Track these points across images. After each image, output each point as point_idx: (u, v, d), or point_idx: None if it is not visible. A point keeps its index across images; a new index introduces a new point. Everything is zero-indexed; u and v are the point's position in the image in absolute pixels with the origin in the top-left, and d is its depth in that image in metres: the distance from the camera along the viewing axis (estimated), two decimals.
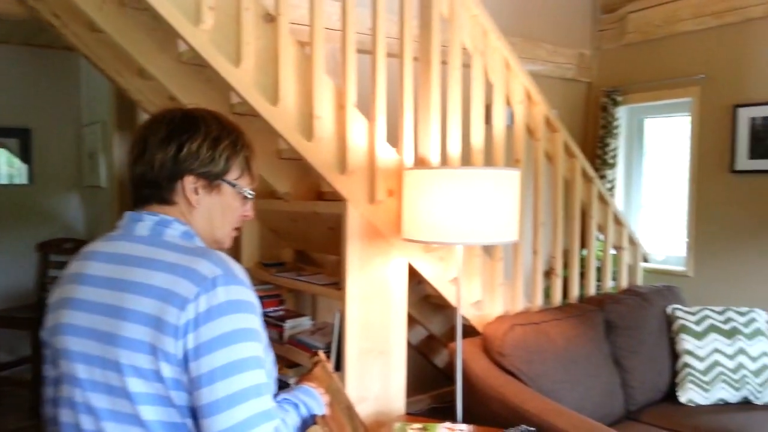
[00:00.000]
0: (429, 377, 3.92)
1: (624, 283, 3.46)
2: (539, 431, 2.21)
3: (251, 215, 1.37)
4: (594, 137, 4.83)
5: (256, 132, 2.84)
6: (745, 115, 4.08)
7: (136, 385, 1.10)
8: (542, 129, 2.97)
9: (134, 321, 1.10)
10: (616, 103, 4.63)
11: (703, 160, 4.32)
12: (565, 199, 3.15)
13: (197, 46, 2.01)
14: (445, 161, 2.64)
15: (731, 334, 2.94)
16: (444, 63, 2.59)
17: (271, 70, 2.17)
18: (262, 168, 2.90)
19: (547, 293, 3.21)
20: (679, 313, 3.06)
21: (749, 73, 4.07)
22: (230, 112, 2.81)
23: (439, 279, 2.64)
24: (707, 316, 3.02)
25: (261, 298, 3.05)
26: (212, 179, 1.24)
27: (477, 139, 2.68)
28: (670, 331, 3.06)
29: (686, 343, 2.96)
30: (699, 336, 2.96)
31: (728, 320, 2.99)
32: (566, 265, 3.27)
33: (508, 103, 2.87)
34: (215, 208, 1.26)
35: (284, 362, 2.89)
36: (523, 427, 2.18)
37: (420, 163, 2.55)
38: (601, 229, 3.36)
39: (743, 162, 4.10)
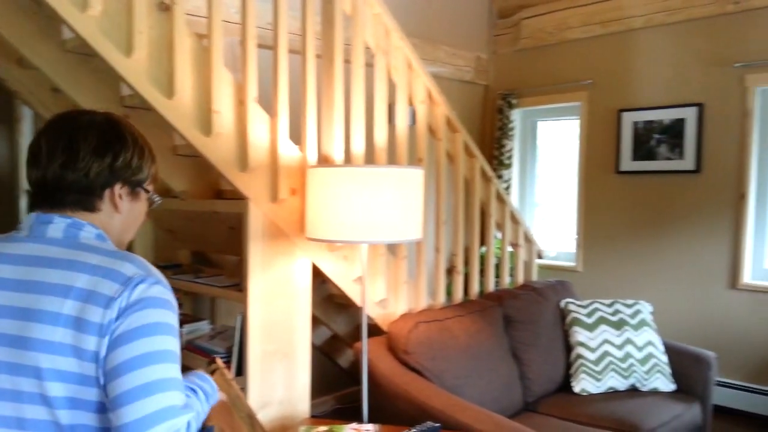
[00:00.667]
0: (333, 378, 3.89)
1: (521, 279, 3.58)
2: (444, 427, 2.24)
3: (146, 218, 1.41)
4: (491, 138, 4.99)
5: (149, 127, 2.71)
6: (628, 119, 4.34)
7: (56, 389, 1.08)
8: (443, 129, 3.01)
9: (51, 323, 1.08)
10: (511, 106, 4.80)
11: (591, 161, 4.56)
12: (465, 198, 3.22)
13: (84, 34, 1.87)
14: (349, 159, 2.62)
15: (619, 325, 3.12)
16: (347, 62, 2.57)
17: (166, 62, 2.06)
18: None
19: (449, 290, 3.27)
20: (571, 307, 3.20)
21: (632, 79, 4.34)
22: (120, 105, 2.65)
23: (344, 278, 2.61)
24: (597, 309, 3.18)
25: None
26: (135, 186, 1.28)
27: (380, 138, 2.68)
28: (563, 324, 3.20)
29: (578, 335, 3.10)
30: (590, 328, 3.11)
31: (616, 312, 3.16)
32: (467, 263, 3.34)
33: (411, 102, 2.89)
34: (132, 214, 1.31)
35: (181, 369, 2.74)
36: (428, 423, 2.19)
37: (324, 161, 2.51)
38: (499, 227, 3.46)
39: (627, 163, 4.37)
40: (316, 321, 3.34)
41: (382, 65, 2.68)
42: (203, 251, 3.20)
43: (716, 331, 4.03)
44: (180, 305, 2.98)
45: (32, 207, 1.24)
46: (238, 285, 2.52)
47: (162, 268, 2.95)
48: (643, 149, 4.28)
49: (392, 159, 2.80)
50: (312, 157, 2.44)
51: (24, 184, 3.15)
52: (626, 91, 4.37)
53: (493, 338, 2.85)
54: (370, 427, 2.20)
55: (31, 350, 1.08)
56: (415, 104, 2.90)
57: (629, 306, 3.20)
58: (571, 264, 4.71)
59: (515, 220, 3.53)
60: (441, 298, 3.05)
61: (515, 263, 3.57)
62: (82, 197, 1.22)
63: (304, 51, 2.39)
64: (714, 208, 4.02)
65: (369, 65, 2.67)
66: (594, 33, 4.46)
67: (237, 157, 2.25)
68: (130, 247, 3.02)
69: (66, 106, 2.64)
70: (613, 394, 2.98)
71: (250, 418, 1.59)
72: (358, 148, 2.58)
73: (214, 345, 2.70)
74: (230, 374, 1.65)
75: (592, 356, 3.04)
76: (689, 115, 4.07)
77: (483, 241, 3.58)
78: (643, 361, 3.03)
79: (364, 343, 2.39)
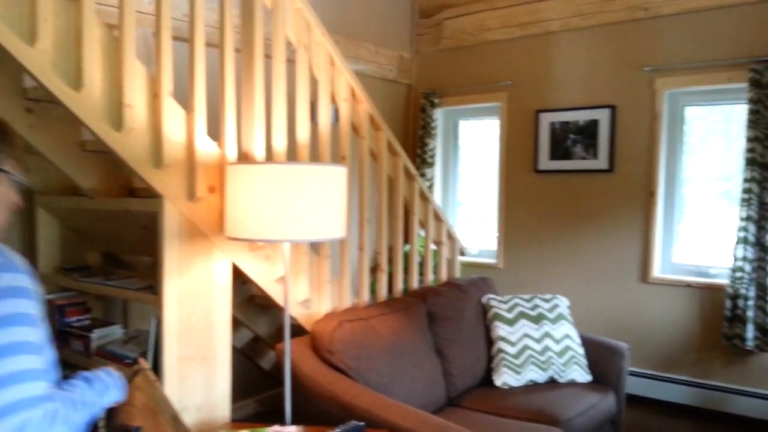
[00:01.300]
0: (255, 381, 3.80)
1: (444, 276, 3.61)
2: (369, 425, 2.22)
3: (20, 203, 1.36)
4: (414, 137, 5.02)
5: (55, 121, 2.56)
6: (546, 120, 4.47)
7: None
8: (367, 127, 3.00)
9: None
10: (433, 105, 4.85)
11: (511, 160, 4.67)
12: (389, 197, 3.22)
13: None
14: (270, 157, 2.56)
15: (538, 319, 3.20)
16: (268, 56, 2.51)
17: (74, 52, 1.94)
18: (62, 161, 2.61)
19: (373, 289, 3.25)
20: (492, 303, 3.26)
21: (549, 81, 4.47)
22: (23, 97, 2.49)
23: (266, 278, 2.55)
24: (517, 304, 3.25)
25: (63, 306, 2.76)
26: None
27: (303, 135, 2.63)
28: (485, 319, 3.26)
29: (499, 329, 3.16)
30: (510, 323, 3.17)
31: (535, 307, 3.25)
32: (391, 261, 3.34)
33: (334, 100, 2.86)
34: None
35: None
36: (353, 423, 2.17)
37: (244, 158, 2.44)
38: (423, 225, 3.48)
39: (545, 162, 4.50)
40: (236, 323, 3.25)
41: (303, 61, 2.63)
42: (115, 252, 3.05)
43: (629, 324, 4.21)
44: (88, 309, 2.84)
45: None
46: (153, 287, 2.42)
47: (68, 270, 2.80)
48: (559, 149, 4.42)
49: (315, 157, 2.76)
50: (231, 154, 2.36)
51: None
52: (544, 92, 4.50)
53: (416, 335, 2.86)
54: (293, 428, 2.16)
55: None
56: (338, 101, 2.87)
57: (547, 300, 3.29)
58: (493, 261, 4.81)
59: (438, 219, 3.56)
60: (365, 297, 3.04)
61: (439, 261, 3.60)
62: None
63: (222, 44, 2.32)
64: (626, 205, 4.20)
65: (291, 61, 2.62)
66: (513, 35, 4.57)
67: (151, 154, 2.15)
68: (32, 249, 2.85)
69: None
70: (533, 387, 3.05)
71: (174, 420, 1.54)
72: (280, 145, 2.53)
73: (128, 350, 2.57)
74: (154, 376, 1.60)
75: (512, 350, 3.10)
76: (602, 116, 4.23)
77: (407, 239, 3.59)
78: (560, 353, 3.12)
79: (287, 344, 2.34)
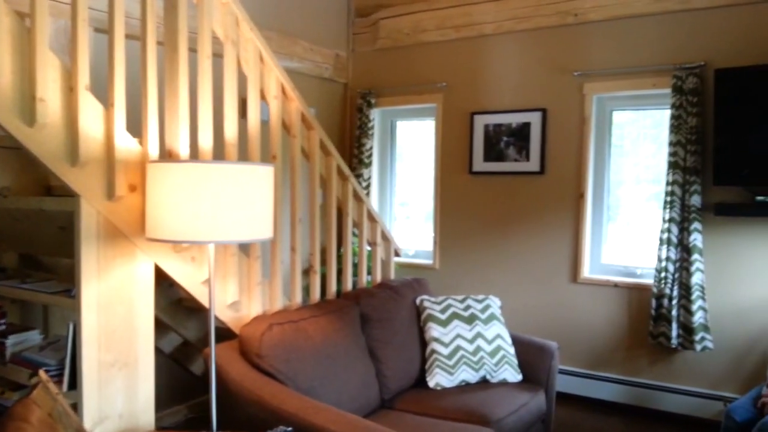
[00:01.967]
0: (186, 386, 3.69)
1: (379, 277, 3.59)
2: (297, 430, 2.17)
3: None
4: (351, 137, 4.99)
5: None
6: (480, 122, 4.52)
7: None
8: (298, 126, 2.94)
9: None
10: (370, 105, 4.83)
11: (446, 161, 4.70)
12: (323, 197, 3.18)
13: None
14: (196, 155, 2.47)
15: (471, 320, 3.22)
16: (193, 50, 2.43)
17: None
18: None
19: (307, 291, 3.20)
20: (426, 304, 3.26)
21: (483, 83, 4.52)
22: None
23: (191, 281, 2.46)
24: (450, 305, 3.26)
25: None
26: None
27: (231, 133, 2.56)
28: (419, 320, 3.25)
29: (433, 330, 3.16)
30: (443, 323, 3.18)
31: (468, 307, 3.26)
32: (324, 262, 3.30)
33: (264, 97, 2.80)
34: None
35: (7, 384, 2.48)
36: (281, 428, 2.12)
37: (167, 155, 2.35)
38: (357, 226, 3.45)
39: (479, 164, 4.54)
40: (164, 327, 3.15)
41: (231, 56, 2.56)
42: (32, 254, 2.90)
43: (560, 323, 4.29)
44: (4, 314, 2.68)
45: None
46: (71, 290, 2.30)
47: None
48: (493, 151, 4.48)
49: (244, 155, 2.69)
50: (154, 152, 2.27)
51: None
52: (478, 94, 4.55)
53: (349, 337, 2.82)
54: None
55: None
56: (268, 99, 2.81)
57: (480, 301, 3.32)
58: (429, 262, 4.83)
59: (373, 219, 3.53)
60: (298, 299, 2.98)
61: (373, 262, 3.58)
62: None
63: (144, 37, 2.23)
64: (557, 207, 4.28)
65: (219, 56, 2.54)
66: (448, 37, 4.60)
67: (66, 151, 2.04)
68: None
69: None
70: (465, 387, 3.06)
71: None
72: (206, 142, 2.45)
73: (45, 357, 2.45)
74: (57, 388, 1.50)
75: (445, 351, 3.11)
76: (534, 119, 4.31)
77: (341, 241, 3.55)
78: (492, 353, 3.15)
79: (212, 348, 2.27)
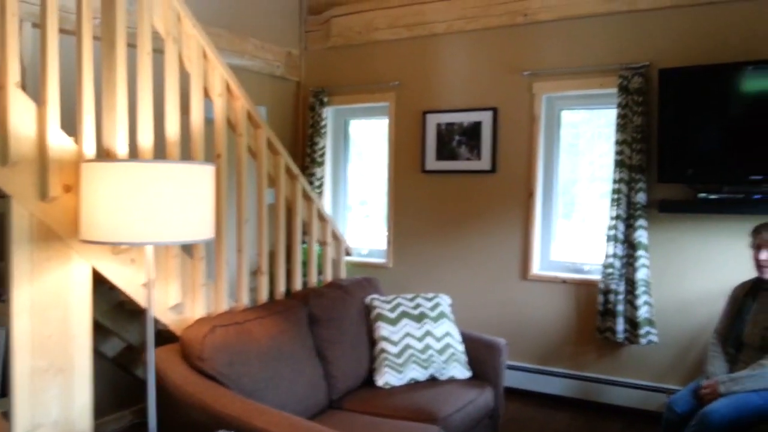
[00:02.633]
0: (130, 391, 3.61)
1: (329, 277, 3.57)
2: None
3: None
4: (304, 135, 4.95)
5: None
6: (432, 121, 4.53)
7: None
8: (245, 124, 2.90)
9: None
10: (323, 104, 4.80)
11: (399, 160, 4.70)
12: (272, 197, 3.14)
13: None
14: (136, 153, 2.41)
15: (420, 318, 3.22)
16: (132, 46, 2.37)
17: None
18: None
19: (256, 292, 3.16)
20: (376, 303, 3.26)
21: (435, 82, 4.54)
22: None
23: (131, 283, 2.40)
24: (400, 304, 3.26)
25: None
26: None
27: (172, 131, 2.50)
28: (368, 319, 3.24)
29: (382, 329, 3.16)
30: (393, 322, 3.18)
31: (417, 306, 3.27)
32: (272, 262, 3.26)
33: (208, 95, 2.75)
34: None
35: None
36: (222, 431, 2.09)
37: (105, 155, 2.29)
38: (306, 225, 3.42)
39: (432, 163, 4.56)
40: (106, 331, 3.07)
41: (173, 53, 2.51)
42: None
43: (510, 320, 4.34)
44: None
45: None
46: (1, 295, 2.22)
47: None
48: (445, 149, 4.50)
49: (188, 154, 2.63)
50: (90, 151, 2.21)
51: None
52: (430, 93, 4.56)
53: (296, 338, 2.80)
54: None
55: None
56: (213, 97, 2.76)
57: (430, 299, 3.33)
58: (382, 261, 4.83)
59: (323, 218, 3.51)
60: (244, 300, 2.94)
61: (323, 261, 3.56)
62: None
63: (80, 31, 2.16)
64: (508, 205, 4.33)
65: (161, 51, 2.48)
66: (400, 35, 4.60)
67: None
68: None
69: None
70: (414, 385, 3.07)
71: None
72: (146, 141, 2.39)
73: None
74: None
75: (394, 350, 3.11)
76: (485, 118, 4.34)
77: (290, 240, 3.51)
78: (441, 351, 3.16)
79: (151, 352, 2.22)
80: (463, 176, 4.46)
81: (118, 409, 3.60)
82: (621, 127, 3.84)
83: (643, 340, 3.80)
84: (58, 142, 2.12)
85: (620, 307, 3.85)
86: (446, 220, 4.55)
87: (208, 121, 2.77)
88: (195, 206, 2.10)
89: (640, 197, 3.79)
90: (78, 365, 2.28)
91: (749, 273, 2.97)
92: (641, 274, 3.79)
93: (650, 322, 3.81)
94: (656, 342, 3.82)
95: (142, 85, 2.38)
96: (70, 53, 2.24)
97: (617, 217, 3.84)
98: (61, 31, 2.14)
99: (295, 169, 3.25)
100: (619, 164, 3.84)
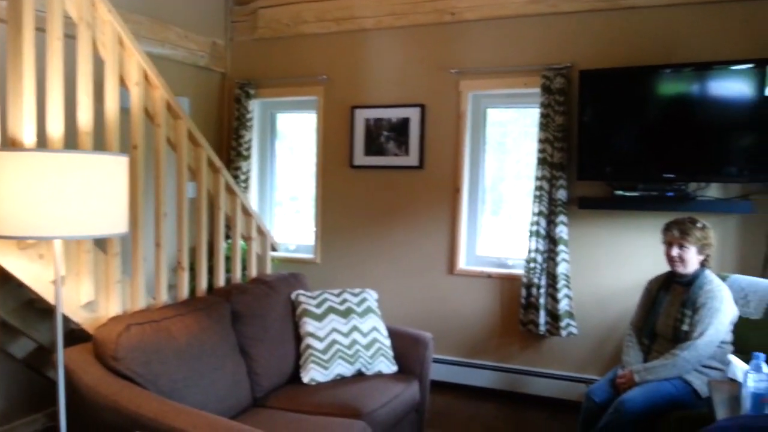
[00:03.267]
0: (43, 393, 3.42)
1: (254, 273, 3.50)
2: None
3: None
4: (230, 128, 4.84)
5: None
6: (361, 116, 4.52)
7: None
8: (164, 114, 2.80)
9: None
10: (249, 96, 4.70)
11: (328, 155, 4.66)
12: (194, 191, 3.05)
13: None
14: (44, 143, 2.28)
15: (346, 313, 3.21)
16: (42, 30, 2.24)
17: None
18: None
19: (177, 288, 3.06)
20: (302, 298, 3.22)
21: (364, 77, 4.52)
22: None
23: (39, 280, 2.28)
24: (326, 299, 3.23)
25: None
26: None
27: (85, 120, 2.38)
28: (294, 315, 3.20)
29: (308, 325, 3.12)
30: (319, 318, 3.15)
31: (344, 301, 3.25)
32: (194, 258, 3.16)
33: (124, 83, 2.63)
34: None
35: None
36: None
37: (10, 144, 2.15)
38: (230, 220, 3.34)
39: (360, 158, 4.54)
40: (15, 331, 2.90)
41: (86, 39, 2.39)
42: None
43: (437, 314, 4.39)
44: None
45: None
46: None
47: None
48: (374, 145, 4.49)
49: (101, 145, 2.51)
50: None
51: None
52: (359, 88, 4.54)
53: (218, 336, 2.72)
54: None
55: None
56: (129, 86, 2.64)
57: (356, 295, 3.32)
58: (310, 256, 4.78)
59: (247, 213, 3.44)
60: (163, 297, 2.84)
61: (248, 257, 3.48)
62: None
63: None
64: (435, 201, 4.37)
65: (74, 37, 2.36)
66: (328, 29, 4.56)
67: None
68: None
69: None
70: (340, 381, 3.05)
71: None
72: (56, 130, 2.26)
73: None
74: None
75: (320, 345, 3.08)
76: (413, 114, 4.36)
77: (212, 235, 3.42)
78: (367, 346, 3.16)
79: (60, 352, 2.11)
80: (391, 172, 4.47)
81: (30, 413, 3.41)
82: (543, 125, 3.93)
83: (563, 332, 3.92)
84: None
85: (542, 301, 3.96)
86: (374, 216, 4.55)
87: (125, 111, 2.65)
88: (108, 199, 2.01)
89: (561, 194, 3.90)
90: None
91: (663, 267, 3.10)
92: (562, 269, 3.91)
93: (570, 315, 3.94)
94: (576, 334, 3.95)
95: (52, 72, 2.25)
96: None
97: (539, 213, 3.94)
98: None
99: (218, 163, 3.16)
100: (542, 162, 3.93)
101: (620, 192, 3.76)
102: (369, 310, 3.29)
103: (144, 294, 2.72)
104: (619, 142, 3.78)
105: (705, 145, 3.56)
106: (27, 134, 2.17)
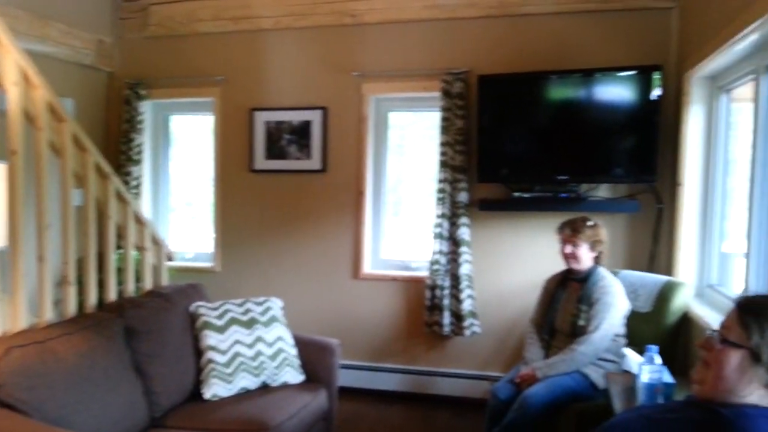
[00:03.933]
0: None
1: (148, 285, 3.30)
2: None
3: None
4: (119, 131, 4.56)
5: None
6: (261, 119, 4.40)
7: None
8: (45, 117, 2.58)
9: None
10: (140, 97, 4.46)
11: (227, 159, 4.50)
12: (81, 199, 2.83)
13: None
14: None
15: (250, 324, 3.09)
16: None
17: None
18: None
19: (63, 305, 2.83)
20: (201, 310, 3.07)
21: (264, 79, 4.41)
22: None
23: None
24: (228, 310, 3.11)
25: None
26: None
27: None
28: (193, 329, 3.05)
29: (209, 338, 2.98)
30: (221, 330, 3.02)
31: (247, 311, 3.14)
32: (82, 271, 2.94)
33: (1, 84, 2.40)
34: None
35: None
36: None
37: None
38: (121, 229, 3.14)
39: (261, 162, 4.42)
40: None
41: None
42: None
43: (343, 319, 4.35)
44: None
45: None
46: None
47: None
48: (275, 148, 4.38)
49: None
50: None
51: None
52: (258, 90, 4.42)
53: (110, 355, 2.54)
54: None
55: None
56: (6, 86, 2.41)
57: (260, 304, 3.21)
58: (210, 265, 4.60)
59: (140, 221, 3.24)
60: (48, 315, 2.60)
61: (142, 268, 3.28)
62: None
63: None
64: (338, 205, 4.32)
65: None
66: (225, 28, 4.40)
67: None
68: None
69: None
70: (245, 395, 2.93)
71: None
72: None
73: None
74: None
75: (222, 359, 2.95)
76: (315, 117, 4.30)
77: (102, 246, 3.20)
78: (273, 357, 3.06)
79: None
80: (293, 176, 4.38)
81: None
82: (444, 129, 3.99)
83: (467, 332, 3.99)
84: None
85: (446, 302, 4.01)
86: (277, 221, 4.44)
87: (2, 114, 2.42)
88: None
89: (462, 196, 3.97)
90: None
91: (560, 265, 3.22)
92: (464, 269, 3.98)
93: (473, 314, 4.01)
94: (479, 333, 4.03)
95: None
96: None
97: (442, 216, 4.00)
98: None
99: (107, 168, 2.96)
100: (443, 165, 3.99)
101: (518, 194, 3.88)
102: (274, 319, 3.20)
103: (26, 313, 2.49)
104: (515, 146, 3.89)
105: (594, 148, 3.73)
106: None
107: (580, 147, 3.75)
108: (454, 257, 4.01)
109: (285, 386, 3.05)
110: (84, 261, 2.86)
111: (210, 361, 2.94)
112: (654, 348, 2.32)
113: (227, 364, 2.94)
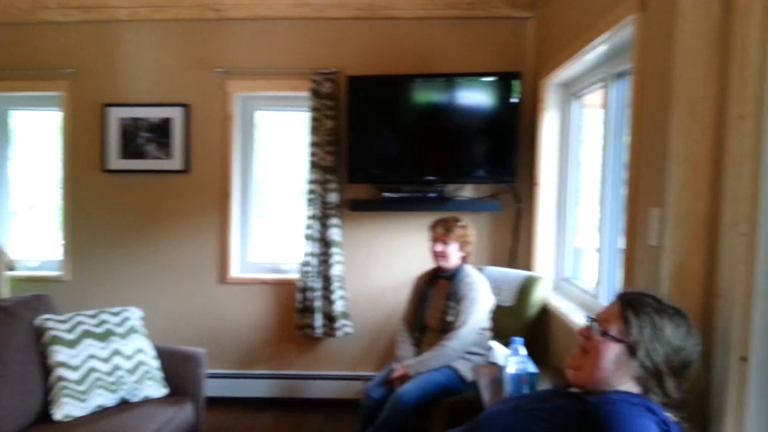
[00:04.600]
0: None
1: None
2: None
3: None
4: None
5: None
6: (115, 115, 4.11)
7: None
8: None
9: None
10: None
11: (76, 158, 4.16)
12: None
13: None
14: None
15: (105, 336, 2.86)
16: None
17: None
18: None
19: None
20: (49, 324, 2.79)
21: (118, 73, 4.12)
22: None
23: None
24: (81, 322, 2.85)
25: None
26: None
27: None
28: (40, 344, 2.76)
29: (58, 354, 2.71)
30: (72, 344, 2.76)
31: (102, 323, 2.90)
32: None
33: None
34: None
35: None
36: None
37: None
38: None
39: (115, 162, 4.13)
40: None
41: None
42: None
43: (209, 326, 4.16)
44: None
45: None
46: None
47: None
48: (131, 147, 4.10)
49: None
50: None
51: None
52: (112, 84, 4.12)
53: None
54: None
55: None
56: None
57: (116, 314, 2.98)
58: (59, 273, 4.21)
59: None
60: None
61: None
62: None
63: None
64: (203, 207, 4.13)
65: None
66: (74, 18, 4.05)
67: None
68: None
69: None
70: (101, 413, 2.71)
71: None
72: None
73: None
74: None
75: (74, 376, 2.70)
76: (176, 115, 4.08)
77: None
78: (132, 370, 2.85)
79: None
80: (152, 176, 4.12)
81: None
82: (314, 129, 3.94)
83: (339, 333, 3.96)
84: None
85: (318, 303, 3.96)
86: (135, 225, 4.16)
87: None
88: None
89: (333, 197, 3.94)
90: None
91: (429, 263, 3.28)
92: (336, 270, 3.95)
93: (345, 315, 4.00)
94: (351, 333, 4.02)
95: None
96: None
97: (313, 217, 3.94)
98: None
99: None
100: (313, 165, 3.94)
101: (388, 194, 3.91)
102: (132, 330, 2.98)
103: None
104: (384, 147, 3.92)
105: (458, 151, 3.85)
106: None
107: (445, 149, 3.85)
108: (325, 258, 3.97)
109: (147, 401, 2.86)
110: None
111: (60, 378, 2.68)
112: (519, 340, 2.42)
113: (80, 381, 2.70)
